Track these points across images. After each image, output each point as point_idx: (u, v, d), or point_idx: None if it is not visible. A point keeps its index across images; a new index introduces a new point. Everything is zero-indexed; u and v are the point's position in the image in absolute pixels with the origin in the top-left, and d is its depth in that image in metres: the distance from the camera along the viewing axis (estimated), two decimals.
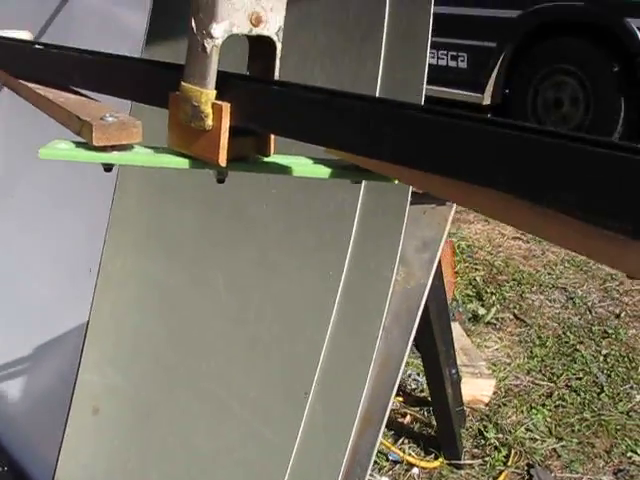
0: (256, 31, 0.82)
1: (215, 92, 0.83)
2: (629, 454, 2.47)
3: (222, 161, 0.85)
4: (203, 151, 0.87)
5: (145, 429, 1.87)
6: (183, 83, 0.84)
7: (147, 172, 1.84)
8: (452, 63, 6.09)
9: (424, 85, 1.34)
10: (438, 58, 6.10)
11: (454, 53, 6.03)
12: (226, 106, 0.83)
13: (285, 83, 0.82)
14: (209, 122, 0.84)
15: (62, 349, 2.08)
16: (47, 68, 1.09)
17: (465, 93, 5.97)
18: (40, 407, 2.10)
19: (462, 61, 6.04)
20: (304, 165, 0.87)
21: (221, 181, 0.94)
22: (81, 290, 1.95)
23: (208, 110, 0.83)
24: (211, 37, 0.80)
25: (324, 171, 0.85)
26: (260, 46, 0.86)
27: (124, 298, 1.91)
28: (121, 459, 1.92)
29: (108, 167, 0.90)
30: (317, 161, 0.86)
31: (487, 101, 5.92)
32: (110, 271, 1.92)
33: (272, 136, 0.90)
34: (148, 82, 0.99)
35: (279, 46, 0.86)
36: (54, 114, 1.03)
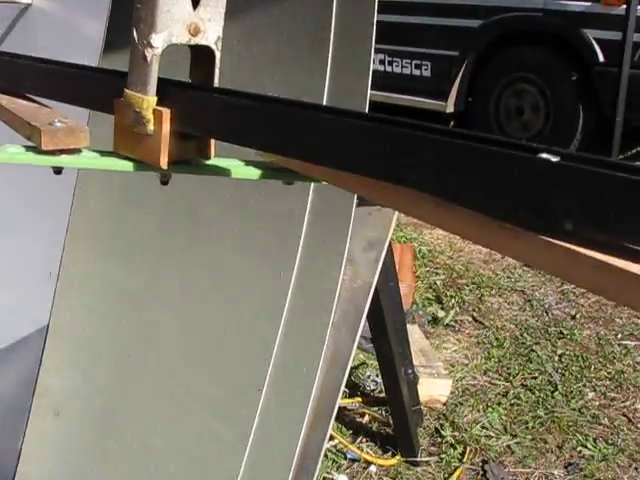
0: (195, 41, 0.88)
1: (156, 99, 0.89)
2: (579, 448, 2.55)
3: (163, 164, 0.90)
4: (146, 155, 0.92)
5: (105, 430, 1.91)
6: (126, 90, 0.89)
7: (107, 177, 1.88)
8: (416, 72, 6.18)
9: (368, 91, 1.40)
10: (402, 67, 6.20)
11: (418, 62, 6.13)
12: (166, 112, 0.89)
13: (222, 90, 0.88)
14: (150, 127, 0.89)
15: (23, 353, 2.11)
16: (0, 75, 1.13)
17: (428, 101, 6.07)
18: (0, 411, 2.12)
19: (425, 70, 6.15)
20: (238, 167, 0.92)
21: (165, 183, 0.99)
22: (41, 294, 1.99)
23: (149, 116, 0.89)
24: (151, 47, 0.85)
25: (255, 172, 0.91)
26: (200, 55, 0.92)
27: (84, 301, 1.95)
28: (82, 461, 1.95)
29: (57, 170, 0.95)
30: (250, 163, 0.92)
31: (450, 109, 6.03)
32: (70, 275, 1.95)
33: (212, 140, 0.96)
34: (97, 89, 1.04)
35: (218, 55, 0.91)
36: (7, 120, 1.07)
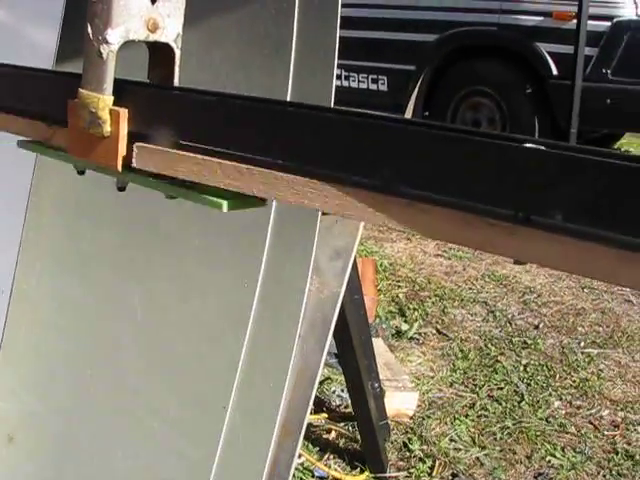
0: (153, 37, 0.83)
1: (112, 98, 0.84)
2: (548, 458, 2.53)
3: (119, 167, 0.85)
4: (102, 158, 0.87)
5: (63, 456, 1.83)
6: (81, 90, 0.84)
7: (61, 190, 1.81)
8: (373, 86, 6.21)
9: (332, 95, 1.37)
10: (359, 81, 6.22)
11: (374, 76, 6.16)
12: (124, 112, 0.84)
13: (182, 89, 0.83)
14: (107, 128, 0.84)
15: None
16: None
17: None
18: None
19: (382, 84, 6.18)
20: None
21: (122, 189, 0.94)
22: None
23: (105, 116, 0.84)
24: (107, 43, 0.80)
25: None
26: (159, 53, 0.87)
27: (39, 319, 1.87)
28: None
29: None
30: None
31: None
32: (23, 291, 1.88)
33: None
34: (50, 91, 0.99)
35: (178, 53, 0.87)
36: (7, 126, 1.02)
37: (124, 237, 1.70)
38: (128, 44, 0.83)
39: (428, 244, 4.50)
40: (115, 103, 0.85)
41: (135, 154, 0.82)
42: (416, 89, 6.00)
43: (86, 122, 0.86)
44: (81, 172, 0.98)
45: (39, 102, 1.02)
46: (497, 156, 0.59)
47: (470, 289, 3.89)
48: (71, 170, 0.98)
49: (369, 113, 0.67)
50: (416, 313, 3.54)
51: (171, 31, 0.85)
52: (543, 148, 0.57)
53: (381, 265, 4.01)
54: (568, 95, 5.03)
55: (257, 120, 0.75)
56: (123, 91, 0.84)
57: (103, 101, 0.84)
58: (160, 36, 0.84)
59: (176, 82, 0.88)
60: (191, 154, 0.78)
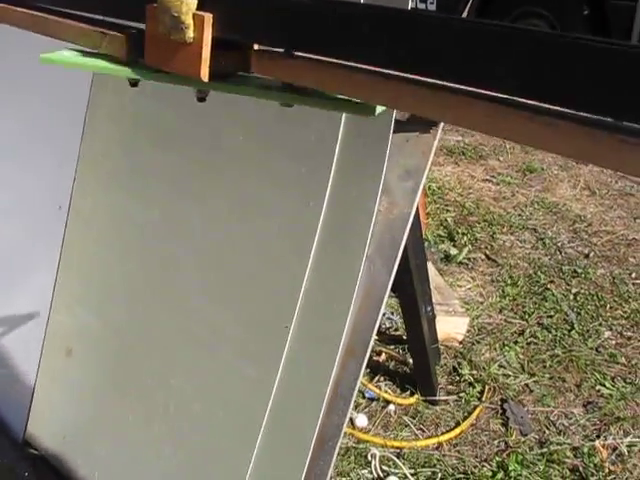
0: None
1: (196, 2, 0.79)
2: (598, 387, 2.51)
3: (204, 75, 0.81)
4: (184, 66, 0.82)
5: (120, 370, 1.84)
6: None
7: (118, 104, 1.77)
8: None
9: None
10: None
11: None
12: (208, 17, 0.79)
13: None
14: (190, 34, 0.79)
15: (33, 289, 2.03)
16: None
17: None
18: (13, 348, 2.06)
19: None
20: (277, 89, 0.84)
21: (202, 99, 0.90)
22: (51, 228, 1.90)
23: (189, 21, 0.79)
24: None
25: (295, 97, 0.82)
26: None
27: (95, 236, 1.86)
28: (96, 401, 1.90)
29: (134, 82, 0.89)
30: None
31: None
32: (80, 208, 1.87)
33: (255, 53, 0.86)
34: None
35: None
36: (58, 33, 0.97)
37: (182, 151, 1.66)
38: None
39: (476, 168, 4.41)
40: (198, 7, 0.80)
41: (254, 60, 0.78)
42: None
43: (167, 28, 0.81)
44: (134, 84, 0.93)
45: (111, 5, 0.97)
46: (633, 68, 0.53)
47: (519, 215, 3.82)
48: (124, 87, 0.94)
49: (487, 22, 0.62)
50: (465, 238, 3.48)
51: None
52: None
53: (429, 189, 3.94)
54: (628, 16, 4.81)
55: (353, 22, 0.69)
56: None
57: (186, 5, 0.79)
58: None
59: None
60: (314, 63, 0.74)
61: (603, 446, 2.24)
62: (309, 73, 0.77)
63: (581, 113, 0.59)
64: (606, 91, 0.55)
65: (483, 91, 0.63)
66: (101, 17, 0.97)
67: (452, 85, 0.65)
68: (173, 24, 0.80)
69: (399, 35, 0.64)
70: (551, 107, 0.60)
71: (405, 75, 0.67)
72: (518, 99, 0.62)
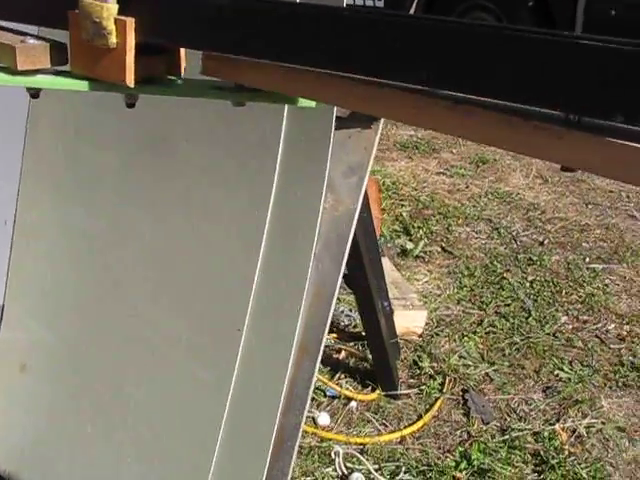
0: None
1: (117, 6, 0.78)
2: (556, 372, 2.55)
3: (130, 81, 0.80)
4: (109, 72, 0.82)
5: (76, 382, 1.82)
6: None
7: (60, 113, 1.75)
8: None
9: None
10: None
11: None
12: (130, 21, 0.78)
13: None
14: (113, 39, 0.79)
15: None
16: None
17: None
18: None
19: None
20: (209, 88, 0.83)
21: (131, 105, 0.89)
22: None
23: (111, 26, 0.78)
24: None
25: (225, 94, 0.82)
26: None
27: (44, 248, 1.84)
28: (53, 415, 1.87)
29: (34, 93, 0.86)
30: (218, 84, 0.83)
31: None
32: (27, 222, 1.84)
33: (182, 55, 0.86)
34: (48, 2, 0.92)
35: None
36: None
37: (127, 159, 1.65)
38: None
39: (430, 162, 4.44)
40: (120, 12, 0.79)
41: (202, 63, 0.78)
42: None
43: (89, 33, 0.80)
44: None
45: (35, 14, 0.96)
46: (548, 54, 0.54)
47: (474, 207, 3.86)
48: (67, 95, 0.93)
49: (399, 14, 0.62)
50: (421, 231, 3.51)
51: None
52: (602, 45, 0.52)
53: (384, 184, 3.96)
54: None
55: (272, 23, 0.70)
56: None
57: (107, 10, 0.78)
58: None
59: None
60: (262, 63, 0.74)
61: (563, 429, 2.28)
62: (249, 74, 0.77)
63: (501, 102, 0.59)
64: (519, 79, 0.56)
65: (406, 84, 0.64)
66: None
67: (379, 80, 0.65)
68: (95, 30, 0.79)
69: (317, 33, 0.64)
70: (472, 97, 0.61)
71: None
72: (439, 91, 0.63)
